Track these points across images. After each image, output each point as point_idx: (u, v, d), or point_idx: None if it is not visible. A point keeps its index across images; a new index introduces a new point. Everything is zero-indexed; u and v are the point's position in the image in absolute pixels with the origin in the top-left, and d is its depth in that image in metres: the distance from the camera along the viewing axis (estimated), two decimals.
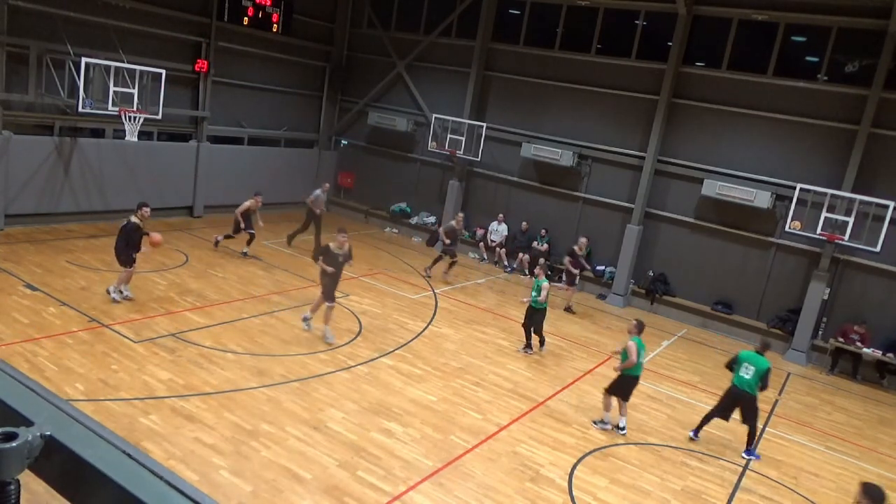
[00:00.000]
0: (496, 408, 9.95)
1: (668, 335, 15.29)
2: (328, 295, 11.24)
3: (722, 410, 9.82)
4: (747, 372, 9.57)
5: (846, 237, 14.02)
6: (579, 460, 8.83)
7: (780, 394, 12.79)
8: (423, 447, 8.45)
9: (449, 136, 19.19)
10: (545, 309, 12.34)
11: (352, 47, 22.12)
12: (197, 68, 17.93)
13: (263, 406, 8.76)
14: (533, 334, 12.41)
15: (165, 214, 17.64)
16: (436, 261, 16.68)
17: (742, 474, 9.30)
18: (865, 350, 14.25)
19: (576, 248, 16.04)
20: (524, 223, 18.63)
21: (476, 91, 19.48)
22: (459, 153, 19.04)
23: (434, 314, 13.84)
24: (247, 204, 15.22)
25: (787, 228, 14.78)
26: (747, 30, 15.86)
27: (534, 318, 12.31)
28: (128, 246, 11.18)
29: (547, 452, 8.88)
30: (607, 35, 17.79)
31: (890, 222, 13.61)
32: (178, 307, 11.70)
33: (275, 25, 19.20)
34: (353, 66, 22.09)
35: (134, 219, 11.31)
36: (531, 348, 12.46)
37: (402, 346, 11.72)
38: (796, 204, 14.54)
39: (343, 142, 22.80)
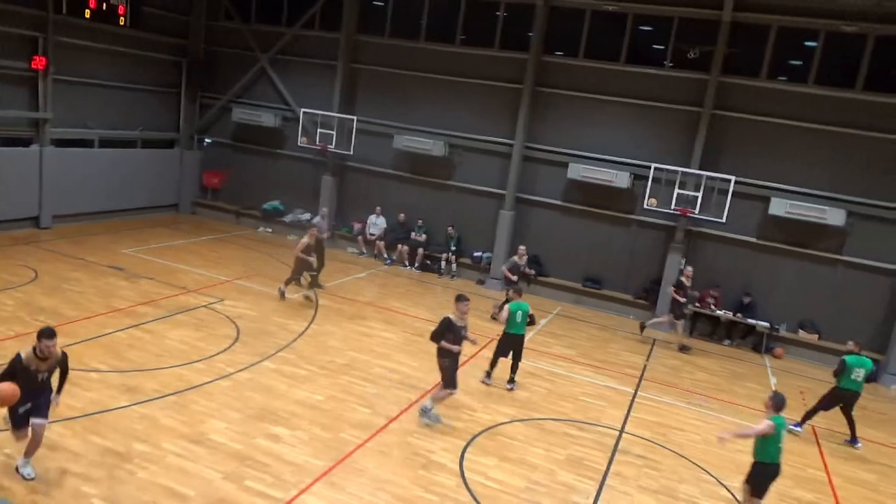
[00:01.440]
0: (385, 401, 9.94)
1: (544, 313, 15.95)
2: (451, 380, 9.36)
3: (827, 408, 10.94)
4: (858, 376, 10.65)
5: (696, 211, 15.26)
6: (469, 443, 9.03)
7: (647, 359, 13.75)
8: (313, 448, 8.29)
9: (319, 130, 18.82)
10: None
11: (210, 41, 21.07)
12: (34, 66, 16.36)
13: (136, 425, 8.21)
14: (505, 365, 11.23)
15: (7, 227, 16.02)
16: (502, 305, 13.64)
17: (619, 438, 9.90)
18: (720, 312, 15.65)
19: (682, 278, 14.72)
20: (401, 215, 18.68)
21: (344, 84, 19.22)
22: (331, 147, 18.73)
23: (315, 312, 13.58)
24: (305, 241, 14.00)
25: (645, 206, 15.86)
26: (600, 20, 16.76)
27: (514, 347, 11.10)
28: None
29: (437, 439, 8.99)
30: (470, 26, 18.14)
31: (732, 195, 14.94)
32: (30, 328, 10.68)
33: (121, 18, 17.88)
34: (213, 61, 21.06)
35: None
36: (490, 378, 11.25)
37: (283, 348, 11.40)
38: (652, 182, 15.62)
39: (207, 140, 21.72)
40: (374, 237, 18.87)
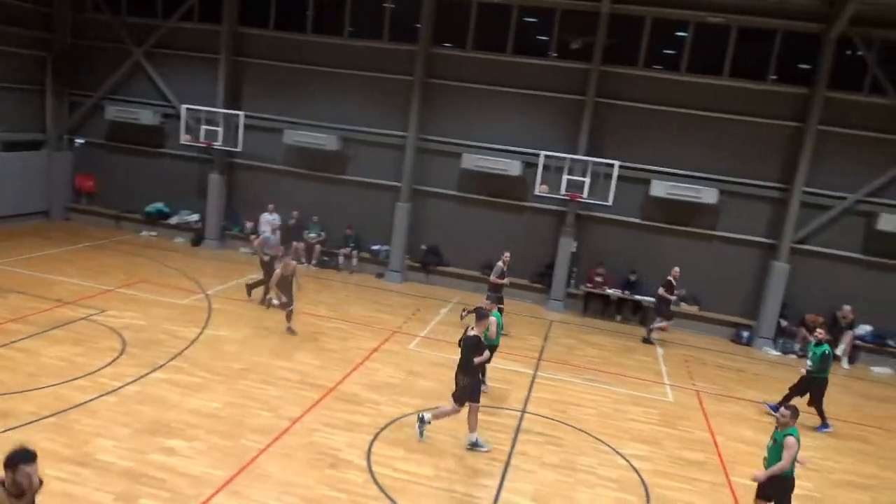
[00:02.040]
0: (287, 402, 9.71)
1: (444, 303, 16.12)
2: (476, 393, 9.07)
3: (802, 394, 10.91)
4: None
5: (585, 195, 15.90)
6: (375, 437, 8.99)
7: (544, 340, 14.23)
8: (212, 458, 7.97)
9: (204, 127, 18.00)
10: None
11: (77, 34, 19.61)
12: None
13: None
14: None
15: None
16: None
17: (521, 419, 10.19)
18: (609, 291, 16.43)
19: (670, 278, 14.88)
20: (295, 212, 18.24)
21: (228, 79, 18.48)
22: (217, 144, 17.98)
23: (209, 317, 13.04)
24: (277, 273, 12.58)
25: (536, 192, 16.33)
26: (487, 11, 17.03)
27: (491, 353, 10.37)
28: None
29: (343, 436, 8.90)
30: (359, 18, 17.90)
31: (617, 179, 15.66)
32: None
33: None
34: (82, 56, 19.63)
35: None
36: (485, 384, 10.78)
37: (175, 357, 10.87)
38: (542, 169, 16.11)
39: (78, 141, 20.25)
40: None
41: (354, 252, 18.03)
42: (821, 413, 11.31)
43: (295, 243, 17.95)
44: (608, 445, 9.69)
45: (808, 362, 11.31)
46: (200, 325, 12.47)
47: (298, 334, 12.55)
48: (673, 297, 15.06)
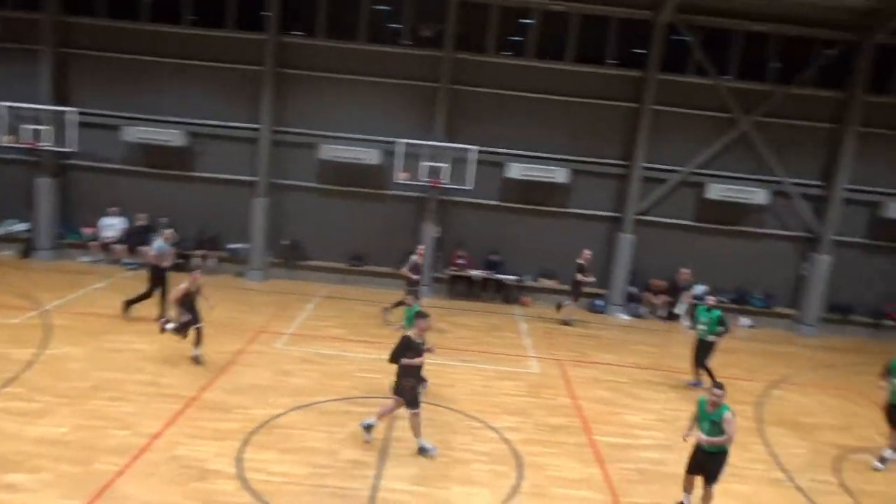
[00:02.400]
0: (144, 417, 9.10)
1: (311, 297, 15.82)
2: (414, 399, 8.90)
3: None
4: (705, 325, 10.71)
5: (445, 180, 16.17)
6: (245, 442, 8.67)
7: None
8: (62, 488, 7.31)
9: (28, 126, 16.23)
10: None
11: None
12: None
13: None
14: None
15: None
16: (398, 304, 14.03)
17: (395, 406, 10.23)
18: (472, 272, 16.89)
19: (581, 261, 15.38)
20: (141, 214, 17.02)
21: (54, 72, 16.77)
22: (45, 145, 16.32)
23: (48, 335, 11.89)
24: (184, 286, 11.11)
25: (397, 180, 16.39)
26: None
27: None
28: None
29: (210, 446, 8.49)
30: (200, 5, 16.90)
31: (476, 163, 16.06)
32: None
33: None
34: None
35: None
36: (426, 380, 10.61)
37: (10, 383, 9.81)
38: (402, 157, 16.17)
39: None
40: (109, 240, 16.98)
41: (213, 254, 17.16)
42: (707, 370, 12.07)
43: (143, 247, 16.78)
44: (481, 421, 10.00)
45: (701, 327, 12.06)
46: (38, 346, 11.34)
47: (151, 346, 11.77)
48: (587, 280, 15.63)
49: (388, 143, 16.64)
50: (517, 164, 16.64)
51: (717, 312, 12.03)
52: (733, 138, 16.74)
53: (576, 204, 17.29)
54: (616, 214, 17.23)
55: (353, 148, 16.62)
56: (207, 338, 11.42)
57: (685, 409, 11.33)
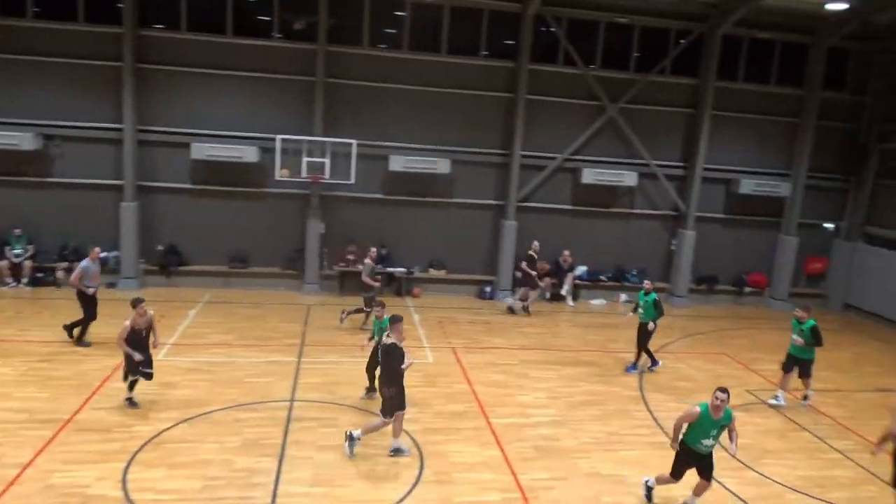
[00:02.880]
0: (12, 447, 8.28)
1: (192, 304, 15.05)
2: (398, 405, 8.66)
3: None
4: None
5: (327, 176, 15.88)
6: (129, 462, 8.12)
7: (305, 325, 14.07)
8: None
9: None
10: None
11: None
12: None
13: None
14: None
15: None
16: (358, 310, 14.00)
17: (290, 408, 9.98)
18: (362, 267, 16.68)
19: (532, 252, 15.93)
20: None
21: None
22: None
23: None
24: (127, 325, 9.43)
25: (277, 177, 15.89)
26: None
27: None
28: None
29: (90, 469, 7.88)
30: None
31: (357, 157, 15.89)
32: None
33: None
34: None
35: None
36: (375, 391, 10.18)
37: None
38: (281, 154, 15.70)
39: None
40: None
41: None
42: (648, 353, 12.78)
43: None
44: (379, 416, 9.92)
45: (640, 311, 12.62)
46: None
47: (16, 370, 10.74)
48: (534, 272, 16.11)
49: (265, 139, 16.11)
50: (399, 157, 16.64)
51: (653, 296, 12.60)
52: (602, 125, 17.63)
53: (459, 194, 17.55)
54: (499, 202, 17.67)
55: (229, 146, 15.93)
56: (83, 354, 10.57)
57: (575, 384, 11.90)
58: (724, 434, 7.69)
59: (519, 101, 16.93)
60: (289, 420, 9.60)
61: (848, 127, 18.84)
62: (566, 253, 17.54)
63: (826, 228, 19.40)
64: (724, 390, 7.46)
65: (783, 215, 18.86)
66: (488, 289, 17.61)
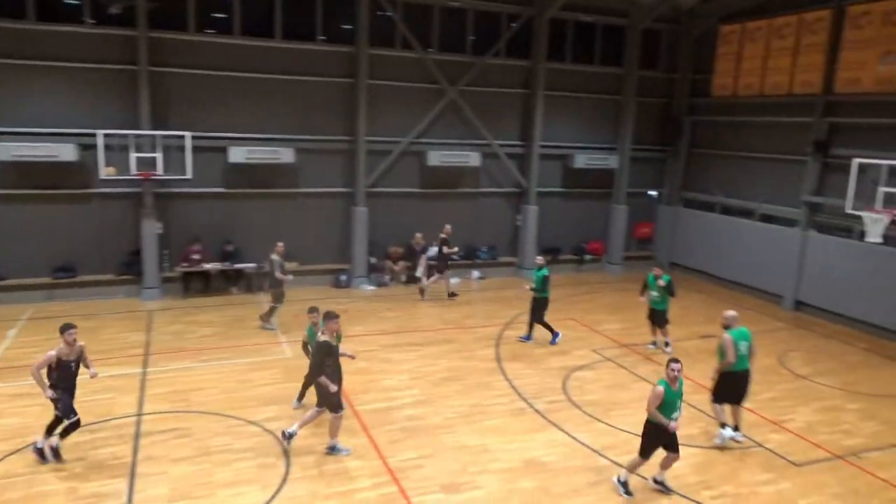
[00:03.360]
0: None
1: (10, 323, 13.46)
2: (338, 402, 8.51)
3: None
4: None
5: (160, 172, 14.78)
6: None
7: (148, 333, 13.11)
8: None
9: None
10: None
11: None
12: None
13: None
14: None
15: None
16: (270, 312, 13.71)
17: (138, 423, 9.28)
18: (207, 266, 15.86)
19: (443, 235, 16.22)
20: None
21: None
22: None
23: None
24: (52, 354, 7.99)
25: (102, 176, 14.54)
26: None
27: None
28: None
29: None
30: None
31: (193, 150, 14.93)
32: None
33: None
34: None
35: None
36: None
37: None
38: (105, 150, 14.36)
39: None
40: None
41: None
42: (546, 326, 13.35)
43: None
44: (239, 419, 9.54)
45: (533, 285, 13.19)
46: None
47: None
48: (454, 250, 16.54)
49: (85, 135, 14.65)
50: (239, 148, 15.88)
51: (543, 271, 13.22)
52: (444, 107, 17.95)
53: (307, 183, 17.12)
54: (348, 190, 17.47)
55: (40, 144, 14.30)
56: None
57: (435, 362, 12.14)
58: None
59: (360, 87, 16.77)
60: (138, 436, 8.93)
61: (663, 102, 20.68)
62: (418, 236, 17.76)
63: (650, 196, 21.23)
64: (676, 360, 7.74)
65: (613, 186, 20.37)
66: (344, 277, 17.42)
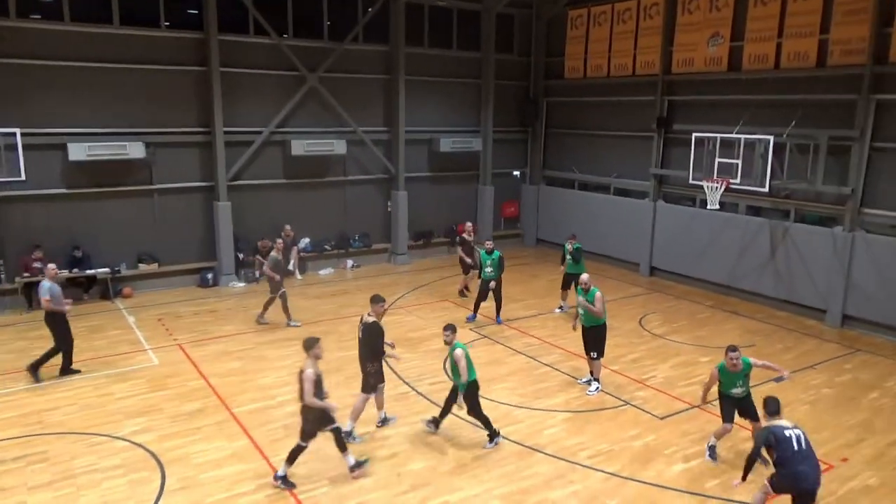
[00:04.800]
0: None
1: None
2: (382, 374, 8.95)
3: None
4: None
5: None
6: None
7: None
8: None
9: None
10: None
11: None
12: None
13: None
14: None
15: None
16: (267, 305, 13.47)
17: None
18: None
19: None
20: None
21: None
22: None
23: None
24: None
25: None
26: None
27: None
28: None
29: None
30: None
31: (25, 149, 13.43)
32: None
33: None
34: None
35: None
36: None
37: None
38: None
39: None
40: None
41: None
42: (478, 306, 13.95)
43: None
44: (103, 435, 8.84)
45: (489, 269, 13.54)
46: None
47: None
48: (468, 258, 15.65)
49: None
50: (80, 145, 14.54)
51: (497, 254, 13.70)
52: (304, 95, 17.48)
53: (161, 178, 16.02)
54: (208, 183, 16.58)
55: None
56: None
57: None
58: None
59: (213, 75, 15.89)
60: None
61: (521, 85, 21.40)
62: (287, 227, 17.19)
63: (515, 176, 21.98)
64: (734, 349, 8.07)
65: (479, 168, 20.87)
66: (210, 275, 16.56)
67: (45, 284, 10.64)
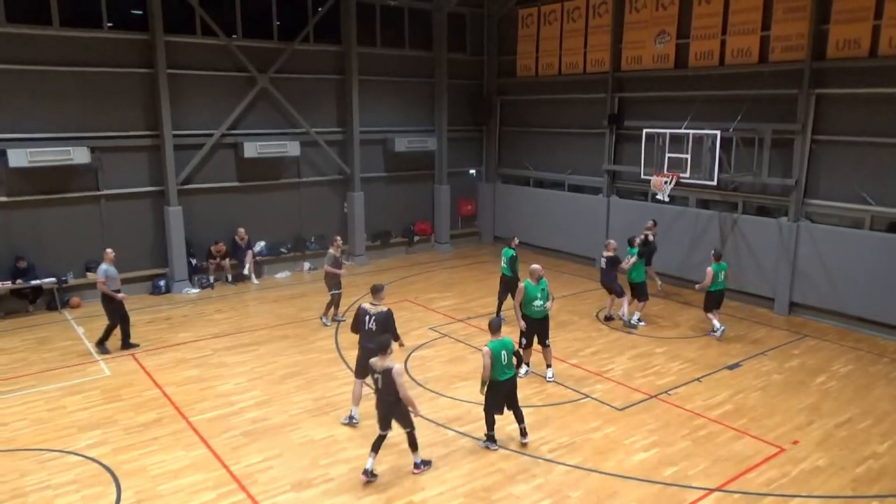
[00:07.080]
0: None
1: None
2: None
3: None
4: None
5: None
6: None
7: None
8: None
9: None
10: None
11: None
12: None
13: None
14: None
15: None
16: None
17: None
18: None
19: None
20: None
21: None
22: None
23: None
24: None
25: None
26: None
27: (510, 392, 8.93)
28: None
29: None
30: None
31: None
32: None
33: None
34: None
35: None
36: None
37: None
38: None
39: None
40: None
41: None
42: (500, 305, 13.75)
43: None
44: (54, 450, 8.54)
45: (504, 265, 13.37)
46: None
47: None
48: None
49: None
50: (19, 150, 13.98)
51: (511, 252, 13.29)
52: (255, 96, 17.19)
53: (108, 184, 15.53)
54: (158, 188, 16.16)
55: None
56: None
57: (272, 359, 11.74)
58: None
59: (160, 77, 15.49)
60: None
61: (474, 84, 21.49)
62: (241, 231, 16.97)
63: (471, 174, 22.07)
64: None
65: (435, 167, 20.88)
66: (162, 282, 16.15)
67: (103, 266, 11.79)
